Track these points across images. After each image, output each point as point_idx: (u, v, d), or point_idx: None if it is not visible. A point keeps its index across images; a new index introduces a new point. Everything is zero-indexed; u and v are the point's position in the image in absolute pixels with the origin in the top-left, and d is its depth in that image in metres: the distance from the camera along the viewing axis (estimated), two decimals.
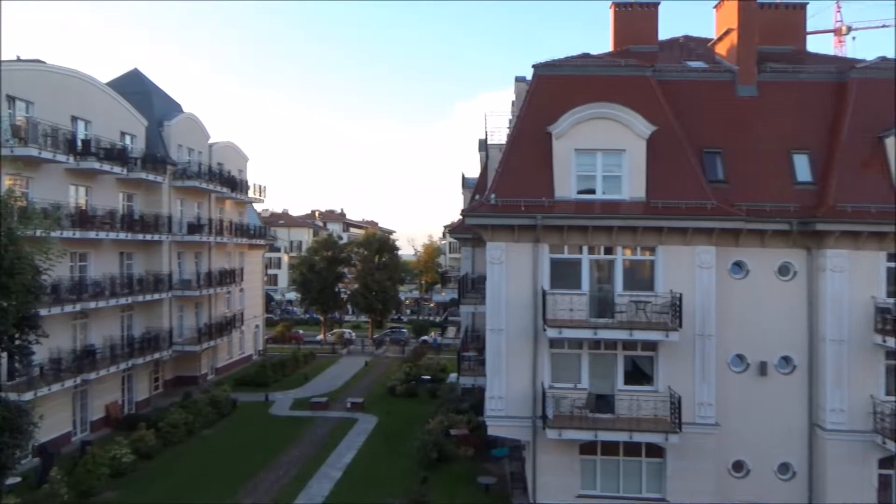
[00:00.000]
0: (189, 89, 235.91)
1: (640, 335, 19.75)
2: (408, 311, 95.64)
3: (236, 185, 47.13)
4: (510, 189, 20.85)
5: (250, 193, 50.53)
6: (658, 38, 27.16)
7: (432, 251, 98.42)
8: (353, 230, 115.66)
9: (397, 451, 29.30)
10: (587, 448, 20.84)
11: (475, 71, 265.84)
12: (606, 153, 20.97)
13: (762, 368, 20.96)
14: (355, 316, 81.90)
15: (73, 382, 28.57)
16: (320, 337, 67.70)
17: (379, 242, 68.20)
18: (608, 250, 20.93)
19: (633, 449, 20.76)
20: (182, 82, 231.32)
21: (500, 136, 28.34)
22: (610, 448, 20.83)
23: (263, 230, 57.07)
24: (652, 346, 20.59)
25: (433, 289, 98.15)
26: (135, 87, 39.18)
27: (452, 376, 39.73)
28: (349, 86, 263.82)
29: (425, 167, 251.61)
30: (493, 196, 20.74)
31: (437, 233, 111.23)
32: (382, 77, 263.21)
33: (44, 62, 29.88)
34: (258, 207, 61.71)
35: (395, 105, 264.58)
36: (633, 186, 20.80)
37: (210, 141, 45.09)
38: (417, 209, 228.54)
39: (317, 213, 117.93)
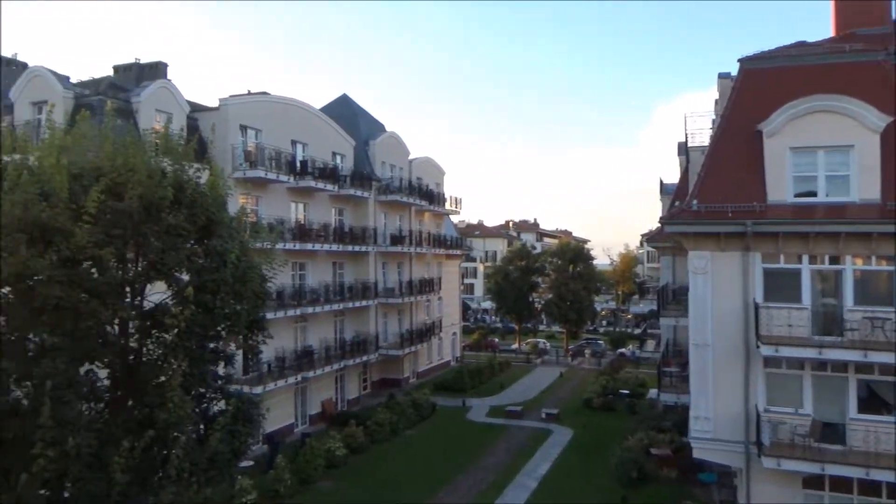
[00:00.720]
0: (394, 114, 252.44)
1: (877, 357, 17.16)
2: (603, 323, 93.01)
3: (434, 197, 49.33)
4: (714, 194, 19.32)
5: (447, 206, 52.56)
6: (892, 18, 23.65)
7: (629, 260, 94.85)
8: (546, 240, 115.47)
9: (594, 467, 28.50)
10: (812, 482, 18.49)
11: (674, 73, 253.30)
12: (830, 151, 18.60)
13: None
14: (549, 326, 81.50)
15: (295, 379, 31.76)
16: (515, 346, 68.32)
17: (573, 252, 67.22)
18: (833, 259, 18.52)
19: (871, 488, 18.01)
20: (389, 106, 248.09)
21: (701, 137, 26.58)
22: (841, 484, 18.25)
23: (459, 241, 59.02)
24: (894, 370, 17.82)
25: (630, 299, 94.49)
26: (344, 111, 42.82)
27: (652, 392, 37.81)
28: (545, 97, 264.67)
29: (622, 174, 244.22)
30: (695, 202, 19.37)
31: (633, 242, 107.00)
32: (579, 86, 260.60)
33: (269, 94, 33.71)
34: (454, 219, 63.94)
35: (591, 112, 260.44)
36: (863, 187, 18.21)
37: (410, 157, 47.72)
38: (613, 218, 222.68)
39: (510, 224, 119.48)
